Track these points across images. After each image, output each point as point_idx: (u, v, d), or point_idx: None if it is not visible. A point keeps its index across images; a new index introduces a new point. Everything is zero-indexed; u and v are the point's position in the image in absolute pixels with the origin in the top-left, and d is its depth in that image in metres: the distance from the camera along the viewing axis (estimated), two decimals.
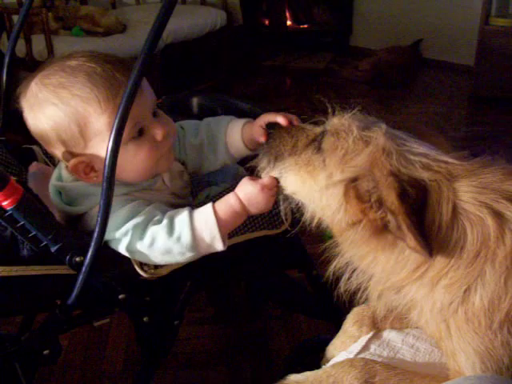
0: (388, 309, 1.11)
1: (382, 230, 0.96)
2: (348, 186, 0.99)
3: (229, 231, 1.22)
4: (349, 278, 1.09)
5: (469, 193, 0.94)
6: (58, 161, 1.30)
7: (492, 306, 0.92)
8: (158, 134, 1.22)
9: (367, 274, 1.06)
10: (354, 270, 1.08)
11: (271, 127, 1.25)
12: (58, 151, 1.21)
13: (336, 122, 1.10)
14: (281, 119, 1.29)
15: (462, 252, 0.92)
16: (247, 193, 1.17)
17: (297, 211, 1.16)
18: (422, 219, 0.92)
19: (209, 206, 1.18)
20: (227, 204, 1.18)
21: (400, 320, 1.20)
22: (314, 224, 1.11)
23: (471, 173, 0.97)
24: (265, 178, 1.17)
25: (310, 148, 1.11)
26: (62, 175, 1.27)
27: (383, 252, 0.98)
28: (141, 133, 1.20)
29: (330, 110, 1.15)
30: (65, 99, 1.13)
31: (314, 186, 1.07)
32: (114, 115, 1.10)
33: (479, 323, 0.93)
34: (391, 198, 0.91)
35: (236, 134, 1.40)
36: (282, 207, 1.20)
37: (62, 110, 1.13)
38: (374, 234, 0.97)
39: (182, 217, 1.16)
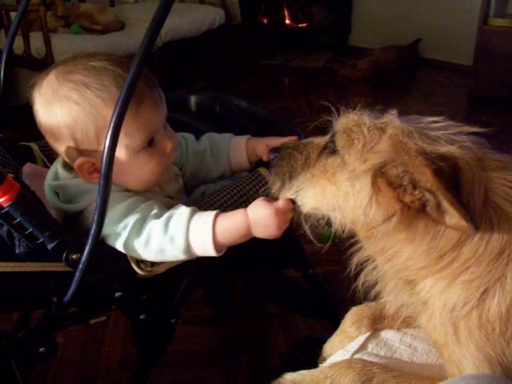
0: (399, 307, 1.09)
1: (417, 215, 0.92)
2: (375, 175, 0.93)
3: (227, 246, 1.17)
4: (368, 273, 1.07)
5: (502, 186, 0.91)
6: (56, 156, 1.29)
7: (508, 314, 0.89)
8: (168, 146, 1.23)
9: (385, 267, 1.03)
10: (373, 265, 1.06)
11: (275, 150, 1.19)
12: (63, 147, 1.19)
13: (344, 120, 1.06)
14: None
15: (487, 246, 0.89)
16: (258, 214, 1.13)
17: (324, 226, 1.10)
18: (460, 194, 0.88)
19: (211, 216, 1.14)
20: (232, 220, 1.14)
21: (399, 320, 1.20)
22: (345, 232, 1.06)
23: (505, 165, 0.94)
24: (280, 201, 1.12)
25: (323, 155, 1.07)
26: (58, 174, 1.26)
27: (412, 242, 0.95)
28: (150, 143, 1.20)
29: (334, 113, 1.10)
30: (88, 99, 1.12)
31: (336, 191, 1.02)
32: (133, 125, 1.11)
33: (493, 329, 0.91)
34: (426, 176, 0.87)
35: (241, 147, 1.43)
36: (305, 228, 1.13)
37: (83, 109, 1.12)
38: (408, 223, 0.93)
39: (181, 219, 1.14)
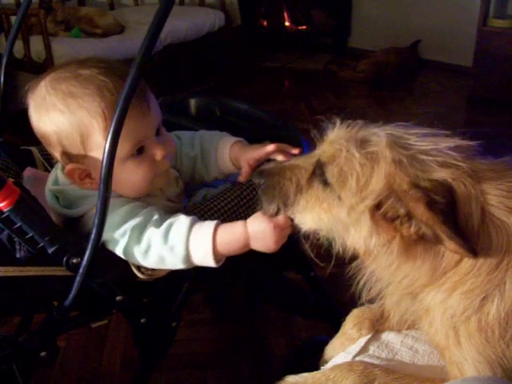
0: (403, 314, 1.10)
1: (416, 241, 0.94)
2: (373, 212, 0.95)
3: (226, 256, 1.18)
4: (371, 287, 1.08)
5: (497, 197, 0.91)
6: (56, 162, 1.30)
7: (507, 317, 0.90)
8: (158, 154, 1.22)
9: (388, 280, 1.04)
10: (377, 279, 1.07)
11: (260, 175, 1.15)
12: (57, 153, 1.21)
13: (326, 149, 1.05)
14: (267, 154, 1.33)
15: (486, 258, 0.90)
16: (257, 227, 1.14)
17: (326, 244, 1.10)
18: (456, 221, 0.89)
19: (211, 227, 1.15)
20: (231, 232, 1.15)
21: (400, 322, 1.20)
22: (348, 254, 1.06)
23: (498, 175, 0.94)
24: (279, 217, 1.12)
25: (314, 182, 1.06)
26: (58, 179, 1.27)
27: (414, 263, 0.96)
28: (140, 151, 1.20)
29: (317, 138, 1.10)
30: (72, 108, 1.13)
31: (335, 221, 1.03)
32: None
33: (492, 333, 0.91)
34: (420, 211, 0.88)
35: (225, 152, 1.42)
36: (306, 246, 1.14)
37: (67, 118, 1.14)
38: (407, 246, 0.95)
39: (181, 229, 1.14)
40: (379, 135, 0.98)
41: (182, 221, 1.16)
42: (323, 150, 1.06)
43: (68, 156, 1.19)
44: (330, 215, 1.03)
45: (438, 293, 0.96)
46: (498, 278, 0.90)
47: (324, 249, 1.11)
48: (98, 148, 1.14)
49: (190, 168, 1.46)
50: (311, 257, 1.18)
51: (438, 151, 0.95)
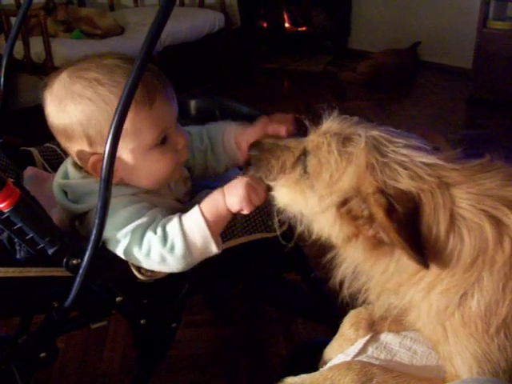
0: (386, 310, 1.11)
1: (378, 243, 0.97)
2: (339, 207, 1.00)
3: (220, 229, 1.20)
4: (352, 281, 1.09)
5: (467, 200, 0.93)
6: (67, 156, 1.29)
7: (489, 311, 0.92)
8: (180, 142, 1.24)
9: (368, 275, 1.06)
10: (357, 272, 1.09)
11: (254, 147, 1.21)
12: (76, 147, 1.19)
13: (314, 139, 1.09)
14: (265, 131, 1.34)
15: (459, 258, 0.92)
16: (231, 182, 1.16)
17: (294, 223, 1.15)
18: (417, 230, 0.92)
19: (195, 207, 1.17)
20: (211, 196, 1.17)
21: (397, 322, 1.20)
22: (312, 237, 1.11)
23: (469, 179, 0.96)
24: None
25: (297, 168, 1.10)
26: (68, 173, 1.26)
27: (383, 259, 0.99)
28: (163, 141, 1.21)
29: (308, 126, 1.14)
30: (101, 95, 1.12)
31: (305, 205, 1.08)
32: (146, 121, 1.10)
33: (476, 327, 0.93)
34: (380, 216, 0.92)
35: (231, 138, 1.42)
36: (275, 220, 1.20)
37: (96, 105, 1.12)
38: (371, 246, 0.98)
39: (173, 224, 1.15)
40: (361, 137, 1.01)
41: (171, 218, 1.17)
42: (312, 139, 1.10)
43: (92, 147, 1.17)
44: (303, 198, 1.08)
45: (416, 292, 0.98)
46: (474, 276, 0.92)
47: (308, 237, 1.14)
48: (125, 136, 1.11)
49: (202, 162, 1.46)
50: (275, 228, 1.27)
51: (411, 164, 0.97)
